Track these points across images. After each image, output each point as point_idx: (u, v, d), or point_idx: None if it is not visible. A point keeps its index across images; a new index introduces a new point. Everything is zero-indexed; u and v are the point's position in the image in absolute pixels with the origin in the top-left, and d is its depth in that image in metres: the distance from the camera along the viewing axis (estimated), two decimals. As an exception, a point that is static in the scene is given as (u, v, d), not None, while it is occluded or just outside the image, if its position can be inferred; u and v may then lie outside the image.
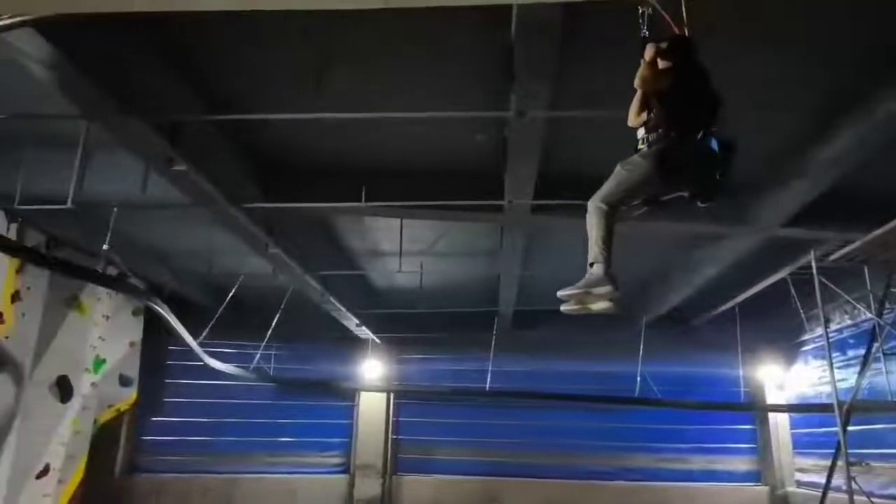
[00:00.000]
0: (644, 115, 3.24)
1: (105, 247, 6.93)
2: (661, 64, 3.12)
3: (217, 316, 9.94)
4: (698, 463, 12.89)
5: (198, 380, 12.52)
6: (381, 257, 9.57)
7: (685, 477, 12.75)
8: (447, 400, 13.25)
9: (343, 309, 10.34)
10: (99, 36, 4.00)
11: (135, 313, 11.23)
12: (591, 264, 3.17)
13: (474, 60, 4.83)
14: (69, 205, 5.64)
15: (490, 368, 11.39)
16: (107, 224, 6.86)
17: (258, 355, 10.74)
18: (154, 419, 12.96)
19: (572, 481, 12.64)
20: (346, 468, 13.21)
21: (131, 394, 11.41)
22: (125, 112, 4.41)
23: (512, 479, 12.75)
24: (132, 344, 11.28)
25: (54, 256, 8.07)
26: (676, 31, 3.18)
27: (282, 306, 10.08)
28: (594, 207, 3.22)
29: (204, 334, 9.67)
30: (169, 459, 12.77)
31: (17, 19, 2.92)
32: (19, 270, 8.07)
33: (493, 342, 11.37)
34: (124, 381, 11.15)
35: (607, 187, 3.25)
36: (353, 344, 13.01)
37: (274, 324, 10.19)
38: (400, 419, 13.51)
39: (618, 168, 3.27)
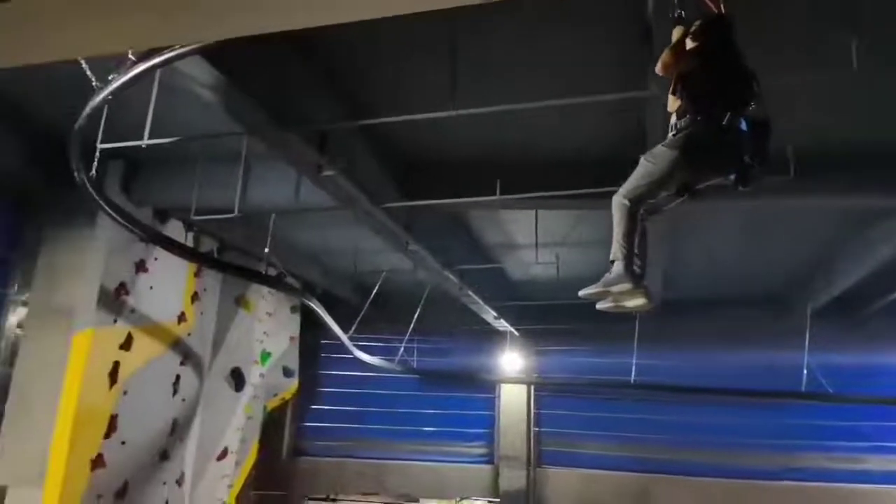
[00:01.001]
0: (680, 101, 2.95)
1: (266, 250, 7.61)
2: (689, 45, 2.87)
3: (363, 311, 10.53)
4: (876, 463, 11.56)
5: (349, 371, 13.36)
6: (517, 249, 9.57)
7: (861, 478, 11.50)
8: (590, 393, 12.98)
9: (481, 302, 10.48)
10: (255, 57, 4.39)
11: (292, 310, 12.21)
12: (612, 262, 3.01)
13: (608, 43, 4.69)
14: (236, 213, 6.26)
15: (634, 360, 10.95)
16: (266, 229, 7.53)
17: (402, 348, 11.21)
18: (312, 407, 14.04)
19: (731, 480, 11.86)
20: (490, 459, 13.42)
21: (293, 384, 12.41)
22: (280, 126, 4.79)
23: (664, 476, 12.22)
24: (292, 338, 12.27)
25: (224, 260, 9.01)
26: (714, 9, 2.93)
27: (422, 301, 10.43)
28: (618, 203, 3.07)
29: (353, 329, 10.29)
30: (326, 444, 13.77)
31: (188, 49, 3.25)
32: (197, 274, 9.08)
33: (637, 333, 10.91)
34: (287, 373, 12.16)
35: (631, 181, 3.06)
36: (491, 336, 13.15)
37: (415, 317, 10.57)
38: (542, 411, 13.46)
39: (642, 160, 3.03)
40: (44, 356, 7.02)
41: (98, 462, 7.07)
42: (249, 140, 5.66)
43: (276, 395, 11.97)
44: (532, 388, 13.46)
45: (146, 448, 8.07)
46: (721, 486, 11.90)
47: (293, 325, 12.31)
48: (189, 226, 8.48)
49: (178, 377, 8.70)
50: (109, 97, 3.78)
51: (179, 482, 8.88)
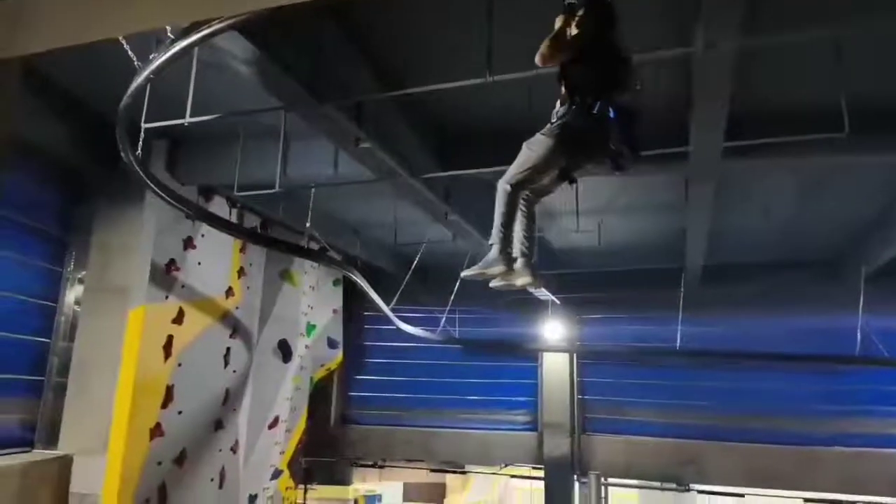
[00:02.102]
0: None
1: (307, 224, 7.71)
2: (572, 33, 2.84)
3: (404, 282, 10.62)
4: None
5: (391, 342, 13.58)
6: (558, 217, 9.46)
7: (924, 444, 11.15)
8: (634, 360, 12.89)
9: (522, 271, 10.43)
10: (291, 31, 4.39)
11: (335, 283, 12.42)
12: (491, 245, 3.11)
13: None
14: (277, 189, 6.35)
15: (679, 327, 10.78)
16: (307, 204, 7.63)
17: (443, 318, 11.30)
18: (357, 377, 14.35)
19: (781, 446, 11.67)
20: (534, 426, 13.52)
21: (338, 355, 12.69)
22: (318, 99, 4.80)
23: (711, 443, 12.12)
24: (335, 311, 12.50)
25: (268, 235, 9.19)
26: None
27: (462, 271, 10.43)
28: (500, 188, 3.10)
29: (394, 300, 10.40)
30: (373, 413, 14.10)
31: (225, 24, 3.25)
32: (242, 249, 9.30)
33: (681, 299, 10.73)
34: (331, 344, 12.43)
35: (513, 167, 3.08)
36: (533, 305, 13.11)
37: (456, 288, 10.61)
38: (585, 379, 13.45)
39: (524, 146, 3.04)
40: (101, 331, 7.34)
41: (157, 431, 7.41)
42: (288, 115, 5.71)
43: (322, 365, 12.27)
44: (575, 356, 13.44)
45: (201, 417, 8.41)
46: (771, 453, 11.72)
47: (336, 297, 12.53)
48: (233, 203, 8.67)
49: (228, 349, 8.99)
50: (151, 76, 3.84)
51: (234, 449, 9.24)
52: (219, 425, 8.82)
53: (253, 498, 9.77)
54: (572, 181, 3.23)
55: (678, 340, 10.92)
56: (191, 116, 5.10)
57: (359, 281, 9.22)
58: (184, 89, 5.00)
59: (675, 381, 12.60)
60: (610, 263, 11.02)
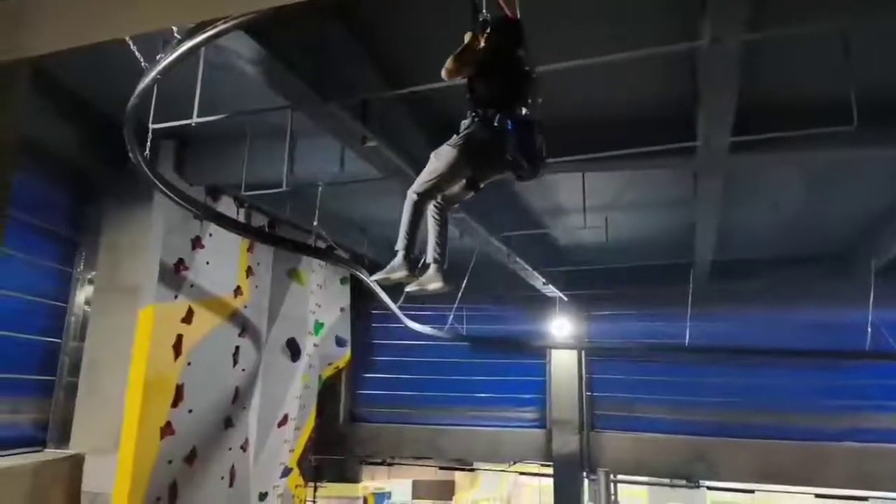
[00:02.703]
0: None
1: (314, 223, 7.73)
2: (478, 46, 3.01)
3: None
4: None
5: (399, 340, 13.60)
6: (565, 214, 9.43)
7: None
8: (642, 357, 12.85)
9: (529, 268, 10.43)
10: (296, 30, 4.40)
11: (342, 282, 12.45)
12: (396, 251, 3.24)
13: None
14: (284, 188, 6.37)
15: (688, 323, 10.75)
16: (314, 202, 7.64)
17: (451, 316, 11.30)
18: (366, 375, 14.39)
19: (792, 442, 11.61)
20: (542, 423, 13.52)
21: (346, 353, 12.73)
22: (324, 98, 4.81)
23: (721, 439, 12.07)
24: (342, 309, 12.53)
25: (276, 234, 9.22)
26: (507, 12, 3.09)
27: (469, 268, 10.44)
28: (408, 196, 3.21)
29: (402, 298, 10.41)
30: (381, 411, 14.14)
31: (231, 23, 3.26)
32: (249, 249, 9.34)
33: (690, 295, 10.69)
34: (339, 342, 12.47)
35: (421, 176, 3.20)
36: (540, 302, 13.11)
37: (463, 285, 10.61)
38: (593, 376, 13.43)
39: (431, 156, 3.13)
40: (111, 331, 7.39)
41: (167, 430, 7.46)
42: (294, 114, 5.72)
43: (330, 364, 12.31)
44: (583, 353, 13.42)
45: (211, 416, 8.46)
46: (782, 449, 11.67)
47: (343, 296, 12.56)
48: (240, 202, 8.70)
49: (237, 348, 9.04)
50: (158, 77, 3.86)
51: (244, 447, 9.29)
52: (229, 424, 8.87)
53: (263, 496, 9.82)
54: (478, 190, 3.32)
55: (687, 337, 10.89)
56: (198, 117, 5.12)
57: (366, 279, 9.23)
58: (191, 90, 5.02)
59: (683, 378, 12.56)
60: (617, 260, 10.99)
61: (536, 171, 3.14)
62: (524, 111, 3.07)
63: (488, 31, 3.08)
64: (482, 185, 3.29)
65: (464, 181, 3.26)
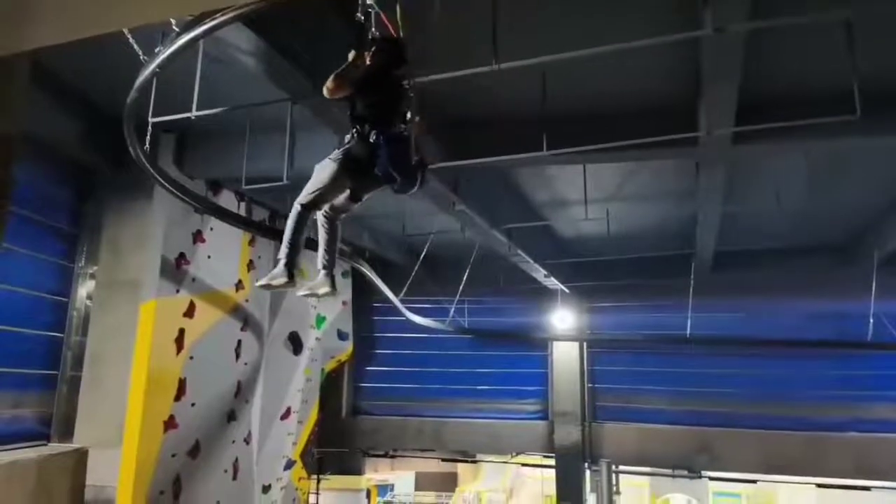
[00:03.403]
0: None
1: (315, 217, 7.70)
2: (360, 65, 3.15)
3: (413, 273, 10.63)
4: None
5: (401, 333, 13.62)
6: (566, 206, 9.43)
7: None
8: (644, 348, 12.87)
9: (530, 260, 10.43)
10: (295, 22, 4.37)
11: (343, 275, 12.43)
12: (278, 259, 3.38)
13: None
14: (285, 181, 6.35)
15: (690, 314, 10.75)
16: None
17: (452, 309, 11.31)
18: (368, 368, 14.42)
19: (795, 432, 11.64)
20: (544, 415, 13.55)
21: (348, 346, 12.75)
22: (319, 93, 4.77)
23: (724, 430, 12.10)
24: (344, 303, 12.54)
25: (277, 228, 9.20)
26: (392, 32, 3.22)
27: (471, 261, 10.45)
28: (293, 207, 3.34)
29: (403, 291, 10.42)
30: (384, 403, 14.18)
31: (230, 15, 3.24)
32: (251, 242, 9.32)
33: (692, 287, 10.68)
34: (341, 336, 12.49)
35: (305, 188, 3.31)
36: (542, 294, 13.12)
37: (465, 278, 10.61)
38: (595, 368, 13.45)
39: (315, 169, 3.25)
40: (113, 326, 7.40)
41: (170, 423, 7.47)
42: (294, 107, 5.69)
43: (332, 357, 12.33)
44: (584, 344, 13.43)
45: (214, 409, 8.48)
46: (784, 439, 11.69)
47: (345, 289, 12.56)
48: (241, 196, 8.68)
49: (239, 342, 9.04)
50: (157, 70, 3.84)
51: (247, 440, 9.32)
52: (231, 417, 8.89)
53: (266, 488, 9.86)
54: (360, 201, 3.45)
55: (688, 328, 10.90)
56: (197, 110, 5.10)
57: (367, 272, 9.25)
58: (190, 84, 4.99)
59: (685, 369, 12.58)
60: (619, 251, 10.99)
61: (412, 184, 3.26)
62: (401, 127, 3.22)
63: (372, 50, 3.24)
64: (364, 197, 3.42)
65: (347, 192, 3.38)
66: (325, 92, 3.22)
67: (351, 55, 3.27)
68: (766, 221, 9.89)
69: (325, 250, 3.46)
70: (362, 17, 3.32)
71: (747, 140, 5.83)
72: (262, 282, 3.46)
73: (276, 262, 3.46)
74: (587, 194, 8.14)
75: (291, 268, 3.34)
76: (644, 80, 5.87)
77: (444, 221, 9.30)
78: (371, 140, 3.15)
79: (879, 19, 4.67)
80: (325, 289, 3.44)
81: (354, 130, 3.22)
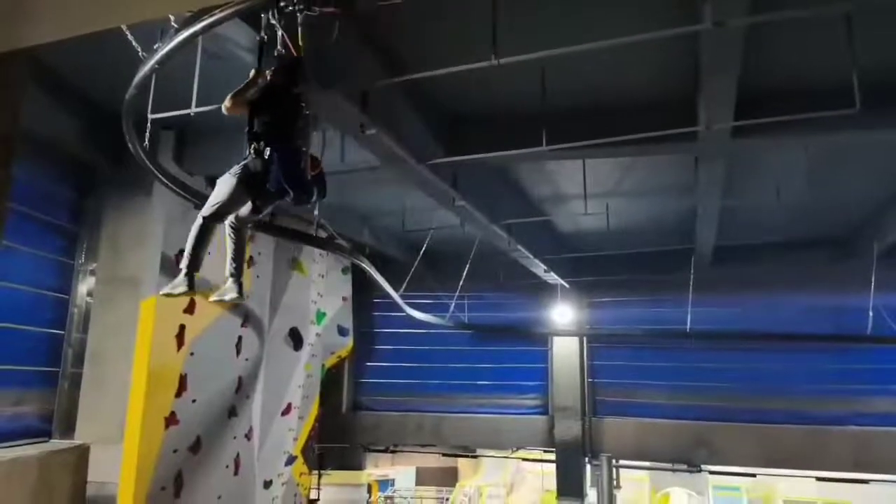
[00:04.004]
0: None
1: (315, 212, 7.71)
2: (259, 84, 3.27)
3: (413, 269, 10.64)
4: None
5: (401, 329, 13.64)
6: (566, 201, 9.43)
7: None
8: (644, 343, 12.88)
9: (530, 256, 10.44)
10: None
11: (343, 271, 12.46)
12: (180, 268, 3.53)
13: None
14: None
15: (689, 309, 10.76)
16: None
17: (452, 304, 11.32)
18: (368, 364, 14.44)
19: (794, 426, 11.67)
20: (544, 410, 13.59)
21: (348, 342, 12.77)
22: (323, 86, 4.78)
23: (724, 424, 12.14)
24: (344, 299, 12.55)
25: (277, 224, 9.20)
26: (294, 52, 3.35)
27: (471, 256, 10.45)
28: (196, 219, 3.49)
29: (403, 287, 10.43)
30: (384, 399, 14.21)
31: (228, 12, 3.24)
32: (250, 239, 9.29)
33: (691, 281, 10.70)
34: (341, 332, 12.50)
35: (208, 201, 3.45)
36: (542, 290, 13.13)
37: (465, 274, 10.62)
38: (595, 363, 13.48)
39: (217, 182, 3.38)
40: (114, 322, 7.40)
41: (171, 419, 7.49)
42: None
43: (332, 353, 12.35)
44: (584, 339, 13.45)
45: (215, 405, 8.50)
46: (783, 433, 11.73)
47: (345, 285, 12.58)
48: (240, 192, 8.67)
49: (240, 338, 9.06)
50: (156, 66, 3.84)
51: (248, 436, 9.34)
52: (232, 413, 8.91)
53: (267, 484, 9.89)
54: (261, 212, 3.61)
55: (688, 322, 10.92)
56: (197, 106, 5.09)
57: (367, 268, 9.24)
58: (189, 81, 4.99)
59: (685, 363, 12.60)
60: (619, 246, 11.00)
61: (307, 198, 3.44)
62: (296, 143, 3.33)
63: (274, 69, 3.36)
64: (265, 210, 3.58)
65: (249, 204, 3.51)
66: (223, 109, 3.37)
67: (252, 73, 3.42)
68: (765, 215, 9.89)
69: (232, 259, 3.62)
70: (265, 37, 3.43)
71: (746, 134, 5.83)
72: (164, 290, 3.65)
73: (230, 273, 3.63)
74: (587, 189, 8.15)
75: (192, 276, 3.50)
76: (643, 75, 5.87)
77: (444, 217, 9.31)
78: (265, 156, 3.27)
79: (879, 13, 4.66)
80: (233, 294, 3.60)
81: (251, 147, 3.34)
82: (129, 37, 4.08)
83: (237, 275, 3.60)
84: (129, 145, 5.05)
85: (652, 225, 10.65)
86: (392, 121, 5.82)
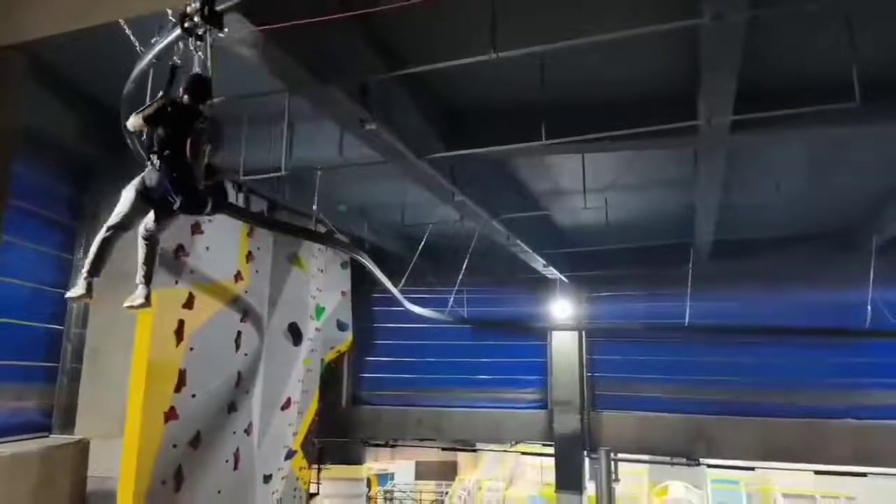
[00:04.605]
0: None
1: (314, 207, 7.71)
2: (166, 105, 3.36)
3: (412, 264, 10.64)
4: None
5: (401, 323, 13.64)
6: (565, 196, 9.42)
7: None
8: (643, 337, 12.90)
9: (529, 250, 10.43)
10: (293, 13, 4.34)
11: (342, 266, 12.45)
12: (81, 274, 3.65)
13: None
14: (283, 172, 6.33)
15: (688, 303, 10.78)
16: (313, 187, 7.61)
17: (452, 299, 11.32)
18: (367, 359, 14.46)
19: (793, 420, 11.70)
20: (544, 404, 13.61)
21: (347, 337, 12.77)
22: (322, 81, 4.76)
23: (723, 418, 12.16)
24: (343, 293, 12.55)
25: (275, 219, 9.19)
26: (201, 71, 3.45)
27: (470, 251, 10.45)
28: (102, 228, 3.63)
29: (402, 282, 10.42)
30: (384, 394, 14.23)
31: (226, 5, 3.23)
32: (249, 234, 9.31)
33: (690, 275, 10.71)
34: (341, 326, 12.51)
35: (113, 212, 3.62)
36: (541, 284, 13.14)
37: (464, 268, 10.62)
38: (594, 357, 13.50)
39: (122, 193, 3.58)
40: (112, 317, 7.38)
41: (171, 414, 7.49)
42: (292, 97, 5.67)
43: (332, 348, 12.35)
44: (583, 334, 13.47)
45: (215, 400, 8.50)
46: (782, 426, 11.75)
47: (344, 280, 12.57)
48: (239, 187, 8.65)
49: (239, 333, 9.06)
50: (154, 61, 3.83)
51: (248, 431, 9.35)
52: (232, 408, 8.92)
53: (267, 478, 9.91)
54: (161, 221, 3.73)
55: (687, 316, 10.93)
56: (195, 101, 5.06)
57: (366, 263, 9.24)
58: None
59: (684, 357, 12.62)
60: (618, 241, 10.99)
61: (199, 209, 3.62)
62: (185, 155, 3.40)
63: (182, 90, 3.46)
64: (166, 220, 3.71)
65: (152, 213, 3.66)
66: (129, 127, 3.51)
67: (161, 95, 3.56)
68: (764, 210, 9.90)
69: (143, 265, 3.77)
70: (179, 62, 3.55)
71: (746, 128, 5.82)
72: (67, 294, 3.79)
73: (140, 280, 3.81)
74: (586, 183, 8.14)
75: (91, 281, 3.65)
76: (643, 70, 5.85)
77: (443, 212, 9.31)
78: (159, 170, 3.44)
79: (878, 7, 4.65)
80: (140, 301, 3.73)
81: (148, 160, 3.49)
82: (127, 31, 4.06)
83: (147, 282, 3.75)
84: (127, 140, 5.03)
85: (651, 219, 10.65)
86: (392, 116, 5.80)
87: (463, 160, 7.11)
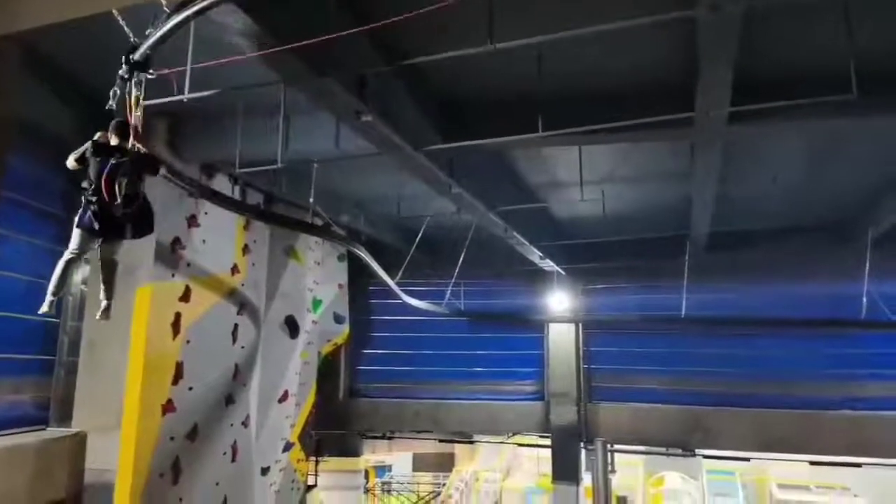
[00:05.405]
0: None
1: (310, 200, 7.69)
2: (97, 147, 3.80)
3: (409, 256, 10.63)
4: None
5: (398, 316, 13.65)
6: (562, 188, 9.41)
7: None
8: (640, 329, 12.94)
9: (526, 242, 10.43)
10: (289, 3, 4.32)
11: (339, 259, 12.44)
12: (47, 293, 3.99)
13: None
14: (279, 164, 6.31)
15: (685, 295, 10.81)
16: (310, 179, 7.59)
17: (449, 291, 11.33)
18: (365, 351, 14.48)
19: (788, 411, 11.77)
20: (540, 396, 13.66)
21: (344, 329, 12.79)
22: (318, 73, 4.74)
23: (720, 409, 12.23)
24: (340, 286, 12.55)
25: (272, 212, 9.17)
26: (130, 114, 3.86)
27: (467, 244, 10.45)
28: (64, 254, 4.00)
29: (399, 274, 10.43)
30: (381, 386, 14.26)
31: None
32: (246, 227, 9.29)
33: (686, 267, 10.73)
34: (338, 319, 12.52)
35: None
36: (538, 276, 13.15)
37: (461, 261, 10.62)
38: (591, 349, 13.53)
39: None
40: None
41: (168, 407, 7.50)
42: (288, 89, 5.64)
43: (329, 340, 12.37)
44: (580, 326, 13.50)
45: (212, 392, 8.51)
46: (778, 417, 11.82)
47: (341, 273, 12.57)
48: (235, 180, 8.63)
49: (236, 326, 9.06)
50: (148, 52, 3.80)
51: (245, 423, 9.37)
52: (229, 400, 8.93)
53: (265, 470, 9.94)
54: (108, 245, 4.06)
55: (683, 308, 10.97)
56: (190, 93, 5.04)
57: (363, 255, 9.24)
58: (182, 66, 4.93)
59: (680, 349, 12.67)
60: (615, 233, 11.00)
61: (118, 237, 3.96)
62: (104, 189, 3.75)
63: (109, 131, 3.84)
64: (112, 244, 4.06)
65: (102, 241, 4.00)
66: (67, 166, 3.90)
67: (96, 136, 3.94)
68: (761, 202, 9.91)
69: (102, 283, 4.16)
70: (114, 105, 3.91)
71: (743, 121, 5.81)
72: (40, 311, 4.06)
73: (101, 296, 4.15)
74: (583, 176, 8.13)
75: (53, 301, 4.01)
76: (640, 61, 5.83)
77: (440, 204, 9.29)
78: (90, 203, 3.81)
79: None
80: (100, 313, 4.12)
81: (82, 195, 3.85)
82: (121, 21, 4.03)
83: (107, 299, 4.14)
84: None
85: (648, 211, 10.65)
86: (388, 107, 5.77)
87: (460, 152, 7.09)
